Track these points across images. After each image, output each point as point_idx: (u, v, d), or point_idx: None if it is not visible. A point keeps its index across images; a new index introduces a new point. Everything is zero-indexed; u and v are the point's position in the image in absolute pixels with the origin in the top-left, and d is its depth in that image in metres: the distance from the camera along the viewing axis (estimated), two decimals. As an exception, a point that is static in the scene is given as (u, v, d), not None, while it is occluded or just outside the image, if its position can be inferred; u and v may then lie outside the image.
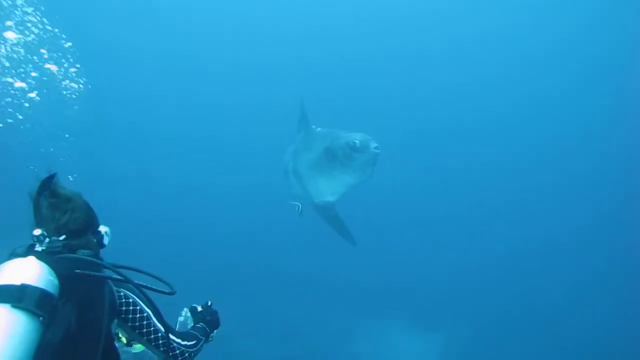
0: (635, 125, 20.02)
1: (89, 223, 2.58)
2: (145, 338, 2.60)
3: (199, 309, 3.09)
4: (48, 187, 2.56)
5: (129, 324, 2.56)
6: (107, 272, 2.44)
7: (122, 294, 2.53)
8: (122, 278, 2.46)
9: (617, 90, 21.45)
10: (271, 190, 17.53)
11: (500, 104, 23.16)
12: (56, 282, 2.24)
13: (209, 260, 15.42)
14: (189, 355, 2.71)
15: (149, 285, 2.62)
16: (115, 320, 2.55)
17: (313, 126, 9.23)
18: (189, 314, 3.08)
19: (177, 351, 2.67)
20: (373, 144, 8.37)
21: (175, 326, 3.00)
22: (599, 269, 16.38)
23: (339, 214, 8.76)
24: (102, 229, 2.71)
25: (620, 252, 16.22)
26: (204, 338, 2.90)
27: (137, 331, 2.58)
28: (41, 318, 2.11)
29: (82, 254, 2.42)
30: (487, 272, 16.05)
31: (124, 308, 2.53)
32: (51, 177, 2.58)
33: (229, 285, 14.36)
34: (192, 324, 3.02)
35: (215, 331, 3.04)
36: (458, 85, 23.28)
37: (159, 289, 2.63)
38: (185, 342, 2.71)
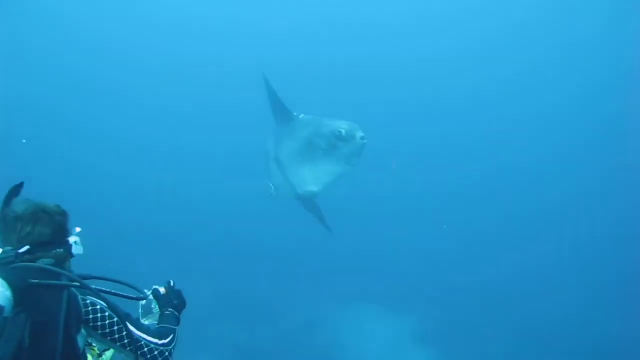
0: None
1: (56, 235, 2.46)
2: (118, 344, 2.50)
3: (162, 290, 2.98)
4: (16, 195, 2.47)
5: (99, 331, 2.46)
6: (66, 280, 2.33)
7: (88, 301, 2.43)
8: (79, 285, 2.35)
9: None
10: (242, 167, 17.41)
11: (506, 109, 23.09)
12: (8, 293, 2.14)
13: (179, 241, 15.24)
14: (168, 353, 2.62)
15: (114, 292, 2.58)
16: (84, 331, 2.44)
17: (295, 113, 8.93)
18: (151, 297, 2.97)
19: (156, 352, 2.59)
20: (359, 134, 8.12)
21: (138, 312, 2.92)
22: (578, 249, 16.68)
23: (317, 204, 8.62)
24: (72, 239, 2.61)
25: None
26: (177, 327, 2.81)
27: (109, 338, 2.49)
28: None
29: (42, 262, 2.32)
30: (460, 252, 16.23)
31: (91, 316, 2.42)
32: (19, 186, 2.49)
33: (199, 267, 14.27)
34: (157, 308, 2.93)
35: (182, 311, 2.96)
36: (458, 89, 23.16)
37: (125, 294, 2.61)
38: (162, 341, 2.63)
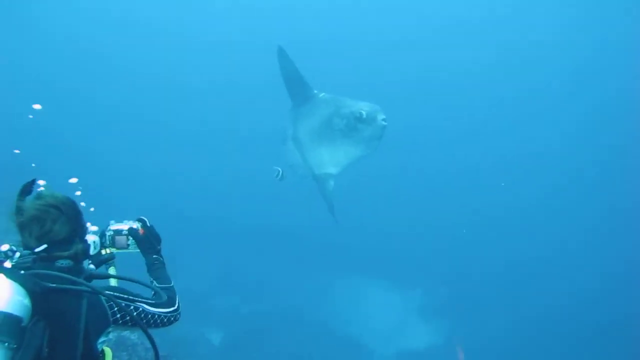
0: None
1: (74, 233, 2.38)
2: (143, 327, 2.52)
3: (139, 230, 2.94)
4: (29, 192, 2.39)
5: (128, 324, 2.50)
6: (84, 286, 2.28)
7: (112, 302, 2.42)
8: (98, 292, 2.32)
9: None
10: (249, 143, 17.81)
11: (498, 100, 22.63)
12: (26, 301, 2.09)
13: (186, 217, 15.17)
14: (179, 314, 2.74)
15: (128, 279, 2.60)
16: (110, 329, 2.45)
17: (316, 91, 8.60)
18: (119, 231, 2.93)
19: (172, 318, 2.68)
20: (381, 116, 7.85)
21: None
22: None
23: (332, 189, 8.33)
24: (90, 238, 2.60)
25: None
26: (172, 281, 2.87)
27: (135, 326, 2.53)
28: (6, 344, 1.98)
29: (61, 264, 2.28)
30: (468, 232, 16.04)
31: (118, 315, 2.43)
32: (32, 182, 2.41)
33: (207, 242, 14.30)
34: (137, 248, 2.94)
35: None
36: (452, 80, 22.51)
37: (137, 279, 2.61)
38: (173, 308, 2.69)
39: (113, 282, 2.68)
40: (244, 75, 21.07)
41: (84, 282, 2.29)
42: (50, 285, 2.17)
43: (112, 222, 2.95)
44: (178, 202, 15.98)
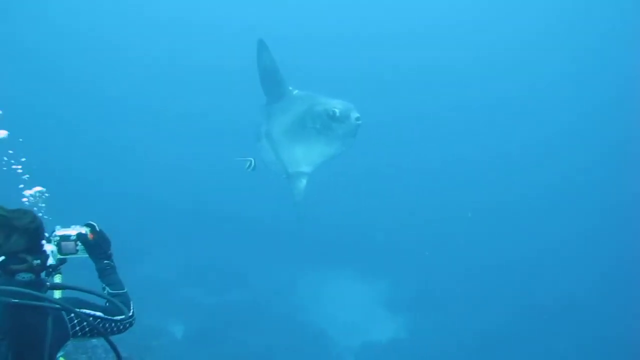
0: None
1: (31, 244, 2.32)
2: (102, 336, 2.52)
3: (88, 234, 2.84)
4: None
5: (87, 336, 2.49)
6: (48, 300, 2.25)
7: (73, 316, 2.38)
8: (61, 308, 2.29)
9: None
10: (220, 132, 17.52)
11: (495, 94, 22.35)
12: None
13: (152, 205, 15.07)
14: (134, 319, 2.76)
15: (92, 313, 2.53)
16: (69, 343, 2.43)
17: (290, 88, 8.56)
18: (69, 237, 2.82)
19: (128, 324, 2.70)
20: (354, 114, 7.81)
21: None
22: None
23: (304, 189, 8.31)
24: (48, 248, 2.55)
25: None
26: (125, 286, 2.85)
27: (95, 336, 2.54)
28: None
29: (22, 278, 2.22)
30: (436, 226, 16.12)
31: (77, 328, 2.42)
32: None
33: (172, 231, 14.17)
34: (87, 254, 2.85)
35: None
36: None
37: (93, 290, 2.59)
38: (129, 314, 2.70)
39: (57, 293, 2.61)
40: (221, 63, 20.77)
41: (49, 297, 2.26)
42: (13, 300, 2.11)
43: (57, 227, 2.85)
44: (144, 190, 15.75)
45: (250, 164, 8.11)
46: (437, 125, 20.22)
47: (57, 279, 2.74)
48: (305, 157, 8.37)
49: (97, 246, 2.84)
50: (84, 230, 2.84)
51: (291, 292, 13.86)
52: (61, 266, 2.78)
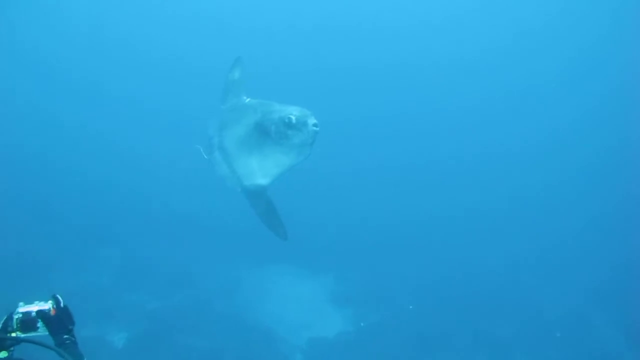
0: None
1: None
2: None
3: (51, 310, 2.71)
4: None
5: None
6: None
7: None
8: None
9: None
10: (154, 125, 17.14)
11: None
12: None
13: (88, 205, 14.46)
14: None
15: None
16: None
17: (243, 96, 8.23)
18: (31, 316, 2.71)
19: None
20: (311, 121, 7.36)
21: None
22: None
23: (271, 201, 7.84)
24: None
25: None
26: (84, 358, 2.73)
27: None
28: None
29: None
30: (377, 216, 16.23)
31: None
32: None
33: (105, 234, 13.65)
34: (43, 327, 2.72)
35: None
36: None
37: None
38: None
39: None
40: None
41: None
42: None
43: (21, 304, 2.76)
44: (80, 188, 15.15)
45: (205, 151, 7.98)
46: (403, 122, 20.28)
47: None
48: (260, 169, 7.83)
49: (57, 322, 2.73)
50: (47, 305, 2.74)
51: (236, 292, 13.65)
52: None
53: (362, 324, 13.22)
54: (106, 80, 20.00)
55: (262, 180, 7.75)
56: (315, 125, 7.38)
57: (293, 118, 7.40)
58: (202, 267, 13.46)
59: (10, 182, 14.27)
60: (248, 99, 8.35)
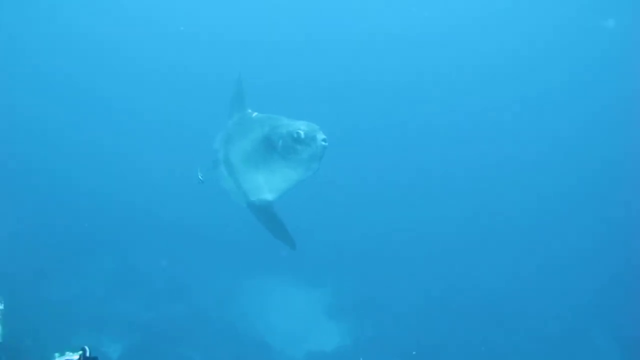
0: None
1: None
2: None
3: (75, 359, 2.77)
4: None
5: None
6: None
7: None
8: None
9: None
10: (152, 132, 16.97)
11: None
12: None
13: (82, 210, 14.23)
14: None
15: None
16: None
17: (249, 110, 8.19)
18: None
19: None
20: (320, 136, 7.35)
21: None
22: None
23: (277, 215, 7.77)
24: None
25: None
26: None
27: None
28: None
29: None
30: (379, 228, 16.11)
31: None
32: None
33: (99, 241, 13.44)
34: None
35: None
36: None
37: None
38: None
39: None
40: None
41: None
42: None
43: (56, 354, 2.87)
44: (74, 193, 14.92)
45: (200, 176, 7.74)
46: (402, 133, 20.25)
47: None
48: (267, 183, 7.80)
49: None
50: (77, 356, 2.83)
51: (232, 303, 13.48)
52: None
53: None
54: (101, 85, 19.81)
55: (268, 195, 7.69)
56: (324, 140, 7.35)
57: (302, 133, 7.36)
58: (198, 277, 13.26)
59: (1, 189, 13.94)
60: (255, 113, 8.31)
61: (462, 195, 18.04)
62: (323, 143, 7.35)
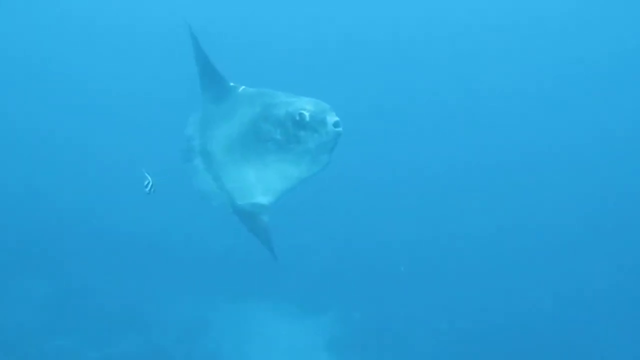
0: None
1: None
2: None
3: None
4: None
5: None
6: None
7: None
8: None
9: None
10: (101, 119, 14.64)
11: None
12: None
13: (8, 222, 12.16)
14: None
15: None
16: None
17: (233, 83, 6.57)
18: None
19: None
20: (332, 118, 5.90)
21: None
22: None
23: (267, 224, 6.33)
24: None
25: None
26: None
27: None
28: None
29: None
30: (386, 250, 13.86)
31: None
32: None
33: (29, 257, 11.64)
34: None
35: None
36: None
37: None
38: None
39: None
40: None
41: None
42: None
43: None
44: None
45: (149, 184, 6.03)
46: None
47: None
48: (260, 182, 6.35)
49: None
50: None
51: (204, 335, 11.47)
52: None
53: None
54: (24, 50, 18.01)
55: (262, 198, 6.18)
56: (336, 124, 5.82)
57: (306, 114, 5.91)
58: (158, 303, 11.39)
59: None
60: (242, 87, 6.61)
61: (499, 200, 16.02)
62: (336, 128, 5.83)
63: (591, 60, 22.60)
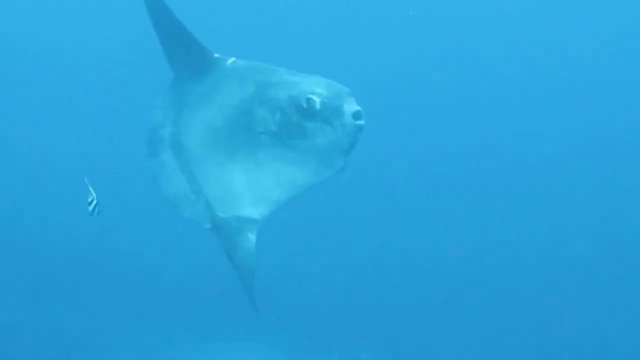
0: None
1: None
2: None
3: None
4: None
5: None
6: None
7: None
8: None
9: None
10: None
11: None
12: None
13: None
14: None
15: None
16: None
17: (217, 55, 5.37)
18: None
19: None
20: (351, 107, 4.68)
21: None
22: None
23: (253, 250, 5.00)
24: None
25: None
26: None
27: None
28: None
29: None
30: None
31: None
32: None
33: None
34: None
35: None
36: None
37: None
38: None
39: None
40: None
41: None
42: None
43: None
44: None
45: (93, 202, 4.89)
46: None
47: None
48: (251, 190, 5.23)
49: None
50: None
51: None
52: None
53: None
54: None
55: (252, 210, 5.06)
56: (357, 115, 4.67)
57: (316, 100, 4.75)
58: (104, 341, 9.72)
59: None
60: (232, 60, 5.38)
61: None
62: (356, 121, 4.69)
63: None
